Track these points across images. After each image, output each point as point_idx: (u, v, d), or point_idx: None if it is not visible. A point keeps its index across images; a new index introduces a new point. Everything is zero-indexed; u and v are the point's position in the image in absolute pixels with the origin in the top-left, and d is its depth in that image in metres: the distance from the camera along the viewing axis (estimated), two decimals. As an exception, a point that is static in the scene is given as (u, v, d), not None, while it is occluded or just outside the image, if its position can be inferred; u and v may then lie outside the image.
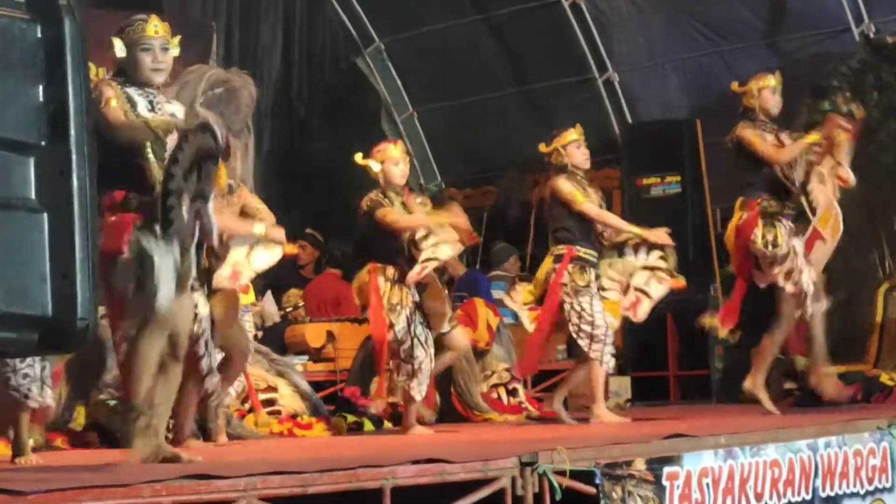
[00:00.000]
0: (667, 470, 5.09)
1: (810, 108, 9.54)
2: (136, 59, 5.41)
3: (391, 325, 7.15)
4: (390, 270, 7.22)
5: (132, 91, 5.38)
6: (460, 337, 7.65)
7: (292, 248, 7.36)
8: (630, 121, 11.46)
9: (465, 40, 11.81)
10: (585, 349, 7.43)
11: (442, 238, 7.24)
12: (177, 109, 5.53)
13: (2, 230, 3.12)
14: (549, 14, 11.32)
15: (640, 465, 5.01)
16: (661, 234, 7.68)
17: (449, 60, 11.94)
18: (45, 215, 3.19)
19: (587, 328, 7.40)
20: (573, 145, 7.62)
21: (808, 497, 5.69)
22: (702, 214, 10.75)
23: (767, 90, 7.68)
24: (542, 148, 7.67)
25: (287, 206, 10.71)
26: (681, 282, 7.81)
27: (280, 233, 6.82)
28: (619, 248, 7.71)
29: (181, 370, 5.40)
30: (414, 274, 7.14)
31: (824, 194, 7.62)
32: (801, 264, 7.44)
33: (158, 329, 5.09)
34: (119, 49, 5.41)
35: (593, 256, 7.54)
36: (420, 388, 7.17)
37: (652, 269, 7.69)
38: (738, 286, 7.71)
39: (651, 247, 7.70)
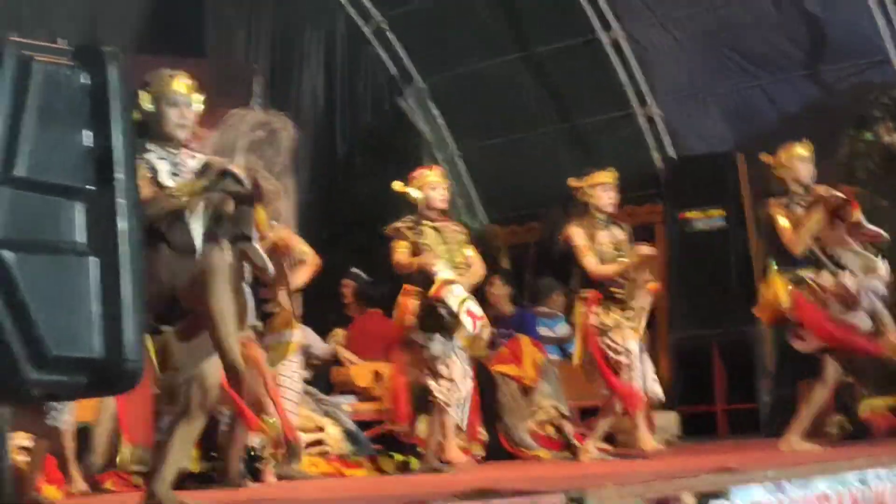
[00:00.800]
0: (715, 504, 5.06)
1: (852, 139, 9.51)
2: (162, 113, 5.38)
3: (423, 346, 7.20)
4: (423, 294, 7.25)
5: (152, 156, 5.35)
6: None
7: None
8: (672, 155, 11.45)
9: (506, 78, 11.84)
10: (627, 379, 7.52)
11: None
12: (199, 163, 5.50)
13: (51, 274, 3.17)
14: (590, 50, 11.34)
15: (688, 500, 4.98)
16: (643, 249, 7.77)
17: (491, 98, 11.97)
18: (94, 259, 3.24)
19: (623, 359, 7.55)
20: (601, 188, 7.80)
21: (859, 530, 5.64)
22: (745, 247, 10.72)
23: (797, 160, 7.45)
24: (571, 182, 7.80)
25: (330, 246, 10.75)
26: (655, 285, 7.92)
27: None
28: None
29: (203, 422, 5.36)
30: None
31: (846, 256, 7.50)
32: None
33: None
34: (145, 102, 5.40)
35: (620, 292, 7.63)
36: (456, 410, 7.19)
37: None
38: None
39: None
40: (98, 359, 3.21)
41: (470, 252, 7.57)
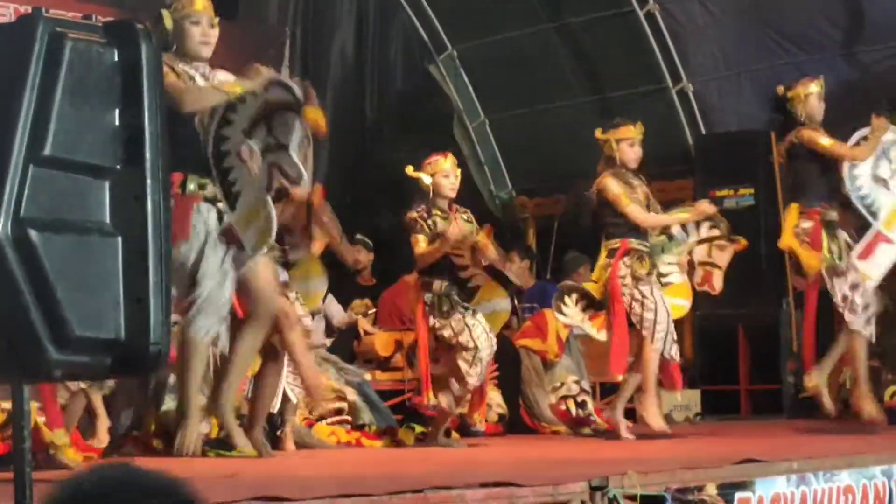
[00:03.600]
0: (738, 496, 5.02)
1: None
2: (186, 32, 5.46)
3: (438, 329, 7.15)
4: (437, 284, 7.20)
5: (183, 66, 5.40)
6: None
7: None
8: (704, 131, 11.34)
9: (538, 48, 11.73)
10: (648, 337, 7.38)
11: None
12: (227, 78, 5.56)
13: (77, 254, 3.13)
14: (624, 23, 11.23)
15: (711, 490, 4.95)
16: (704, 206, 7.70)
17: (522, 68, 11.85)
18: (119, 239, 3.20)
19: (649, 315, 7.36)
20: (627, 143, 7.68)
21: (884, 524, 5.59)
22: (775, 227, 10.61)
23: (813, 96, 7.72)
24: (598, 133, 7.70)
25: (357, 212, 10.70)
26: (741, 243, 7.78)
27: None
28: (667, 233, 7.68)
29: (262, 334, 5.45)
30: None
31: (886, 196, 7.51)
32: (858, 279, 7.42)
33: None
34: (168, 21, 5.45)
35: (646, 247, 7.52)
36: (477, 376, 7.13)
37: (708, 240, 7.68)
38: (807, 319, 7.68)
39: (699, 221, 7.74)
40: (122, 341, 3.17)
41: (481, 239, 7.44)
